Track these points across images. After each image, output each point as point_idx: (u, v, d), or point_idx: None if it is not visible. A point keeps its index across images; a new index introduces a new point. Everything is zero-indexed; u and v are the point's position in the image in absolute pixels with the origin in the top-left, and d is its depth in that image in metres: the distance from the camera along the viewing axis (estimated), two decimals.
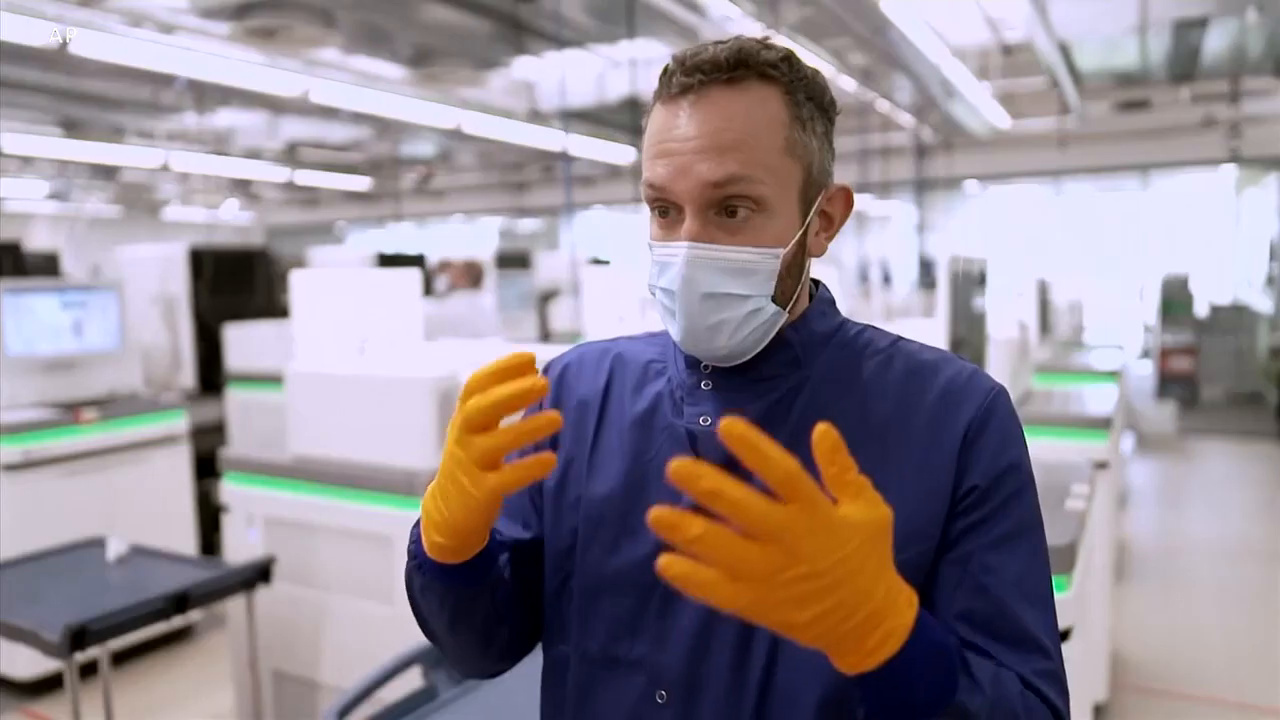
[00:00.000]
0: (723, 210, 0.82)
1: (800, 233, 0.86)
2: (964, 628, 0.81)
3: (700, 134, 0.81)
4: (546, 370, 1.04)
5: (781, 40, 5.18)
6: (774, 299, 0.85)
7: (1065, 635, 1.78)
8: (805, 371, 0.89)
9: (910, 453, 0.84)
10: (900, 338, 0.93)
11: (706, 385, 0.90)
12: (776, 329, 0.88)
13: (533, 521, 1.01)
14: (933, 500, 0.83)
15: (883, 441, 0.85)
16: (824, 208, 0.89)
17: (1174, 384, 9.15)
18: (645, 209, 0.90)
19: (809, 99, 0.85)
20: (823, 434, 0.62)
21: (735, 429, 0.59)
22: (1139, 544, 5.19)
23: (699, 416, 0.89)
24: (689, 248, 0.82)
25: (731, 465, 0.85)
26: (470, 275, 5.57)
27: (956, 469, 0.83)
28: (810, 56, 5.57)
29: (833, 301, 0.95)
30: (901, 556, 0.80)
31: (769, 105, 0.82)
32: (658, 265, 0.86)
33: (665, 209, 0.85)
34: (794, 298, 0.88)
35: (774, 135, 0.82)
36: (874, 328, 0.95)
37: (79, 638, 2.09)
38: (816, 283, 0.95)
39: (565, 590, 0.95)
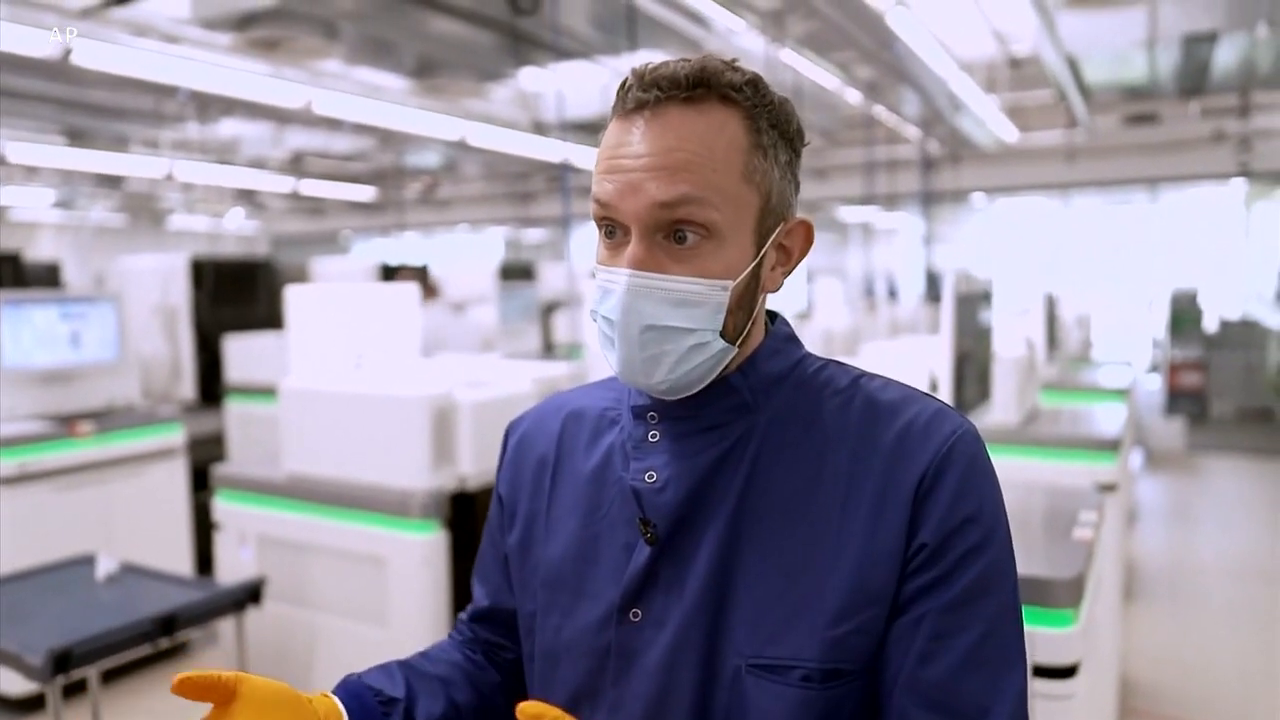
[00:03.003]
0: (671, 235, 0.77)
1: (753, 265, 0.80)
2: (905, 700, 0.75)
3: (652, 152, 0.76)
4: (509, 432, 1.02)
5: (786, 54, 5.14)
6: (722, 333, 0.79)
7: (1072, 670, 1.72)
8: (755, 417, 0.83)
9: (863, 507, 0.78)
10: (864, 374, 0.87)
11: (654, 437, 0.85)
12: (724, 364, 0.82)
13: (493, 589, 1.01)
14: (885, 561, 0.76)
15: (836, 493, 0.79)
16: (782, 241, 0.84)
17: (1183, 400, 9.06)
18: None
19: (772, 126, 0.80)
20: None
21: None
22: (1147, 564, 5.11)
23: (645, 473, 0.84)
24: (630, 276, 0.77)
25: (679, 526, 0.82)
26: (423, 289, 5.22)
27: (909, 525, 0.76)
28: (816, 70, 5.55)
29: (790, 336, 0.89)
30: (848, 625, 0.76)
31: (728, 128, 0.77)
32: (600, 290, 0.81)
33: (612, 229, 0.80)
34: (744, 332, 0.82)
35: (731, 160, 0.77)
36: (837, 363, 0.89)
37: (62, 662, 2.05)
38: (774, 316, 0.90)
39: (532, 655, 0.92)
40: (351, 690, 0.89)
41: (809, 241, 0.86)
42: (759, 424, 0.83)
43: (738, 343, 0.82)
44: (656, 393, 0.83)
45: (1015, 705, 0.75)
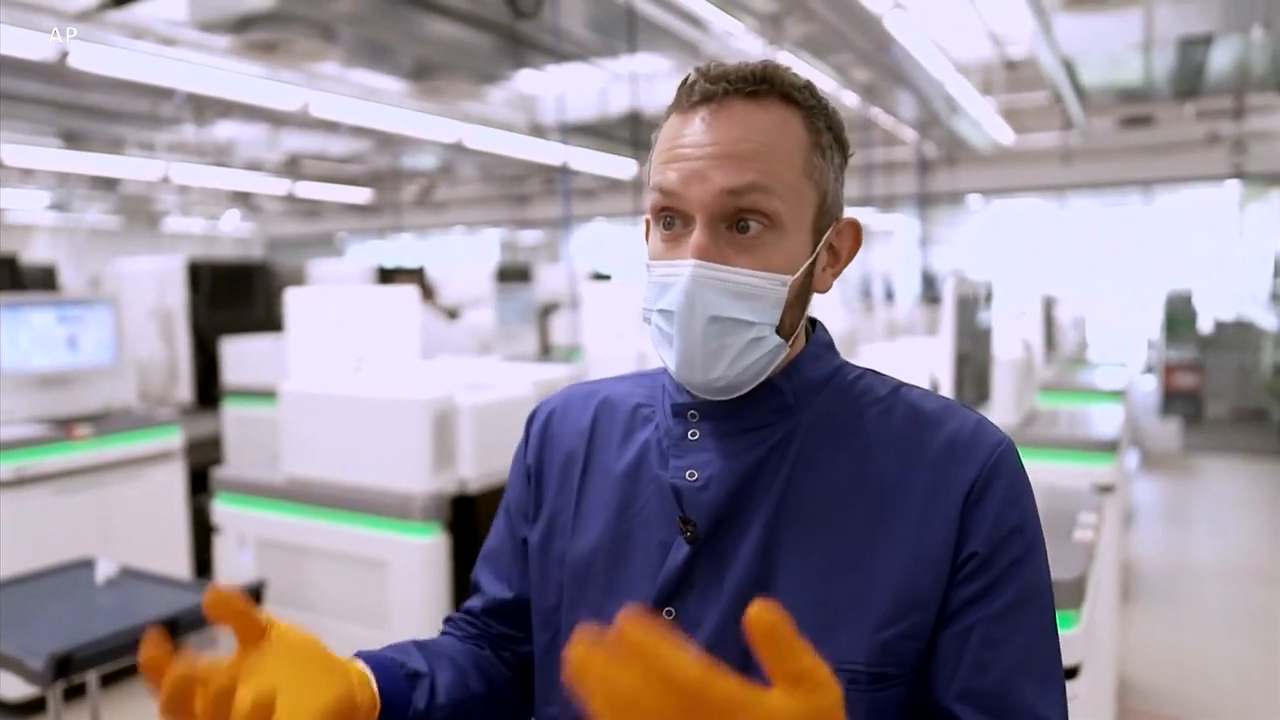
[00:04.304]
0: (734, 224, 0.78)
1: (809, 262, 0.81)
2: (962, 708, 0.76)
3: (718, 140, 0.77)
4: (533, 416, 1.00)
5: (784, 57, 5.16)
6: (779, 329, 0.80)
7: (1074, 672, 1.73)
8: (796, 419, 0.84)
9: (909, 513, 0.79)
10: (902, 384, 0.88)
11: (694, 435, 0.85)
12: (778, 360, 0.82)
13: (515, 580, 0.97)
14: (932, 566, 0.78)
15: (880, 497, 0.80)
16: (832, 241, 0.85)
17: (1178, 401, 9.09)
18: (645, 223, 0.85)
19: (828, 129, 0.82)
20: (757, 616, 0.54)
21: (633, 632, 0.53)
22: (1144, 565, 5.12)
23: (685, 471, 0.84)
24: (695, 266, 0.77)
25: (719, 525, 0.82)
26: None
27: (958, 532, 0.78)
28: (813, 72, 5.56)
29: (830, 344, 0.90)
30: (896, 629, 0.77)
31: (790, 125, 0.79)
32: (657, 286, 0.80)
33: (672, 220, 0.80)
34: (796, 331, 0.83)
35: (794, 155, 0.79)
36: (874, 372, 0.90)
37: (63, 666, 2.03)
38: (813, 322, 0.90)
39: (554, 649, 0.90)
40: (376, 660, 0.85)
41: (858, 243, 0.88)
42: (800, 427, 0.84)
43: (790, 340, 0.83)
44: (713, 390, 0.82)
45: (1062, 707, 0.78)
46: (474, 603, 1.02)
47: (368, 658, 0.85)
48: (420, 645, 0.94)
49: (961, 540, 0.78)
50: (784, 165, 0.78)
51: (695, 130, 0.78)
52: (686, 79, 0.81)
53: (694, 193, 0.77)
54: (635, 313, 4.14)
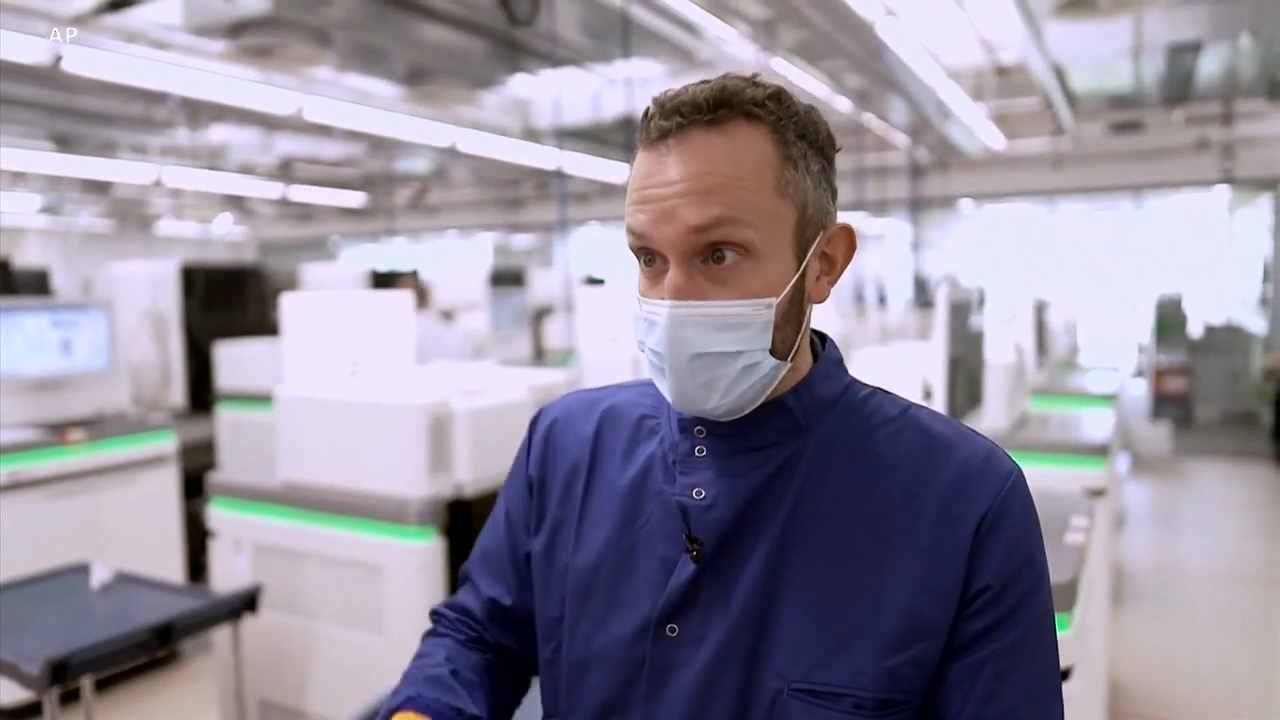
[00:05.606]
0: (709, 257, 0.77)
1: (796, 278, 0.80)
2: None
3: (682, 177, 0.75)
4: (534, 424, 1.00)
5: (777, 63, 5.17)
6: (772, 351, 0.79)
7: (1066, 675, 1.74)
8: (806, 439, 0.83)
9: (918, 539, 0.79)
10: (912, 404, 0.87)
11: (700, 452, 0.84)
12: (776, 381, 0.81)
13: (513, 587, 0.98)
14: (941, 595, 0.77)
15: (889, 522, 0.80)
16: (824, 249, 0.83)
17: (1168, 404, 9.14)
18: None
19: (800, 137, 0.79)
20: None
21: None
22: (1135, 567, 5.16)
23: (692, 489, 0.83)
24: (672, 307, 0.77)
25: (726, 544, 0.83)
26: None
27: (968, 564, 0.78)
28: (806, 78, 5.59)
29: (840, 361, 0.89)
30: (903, 657, 0.77)
31: (755, 145, 0.77)
32: (645, 323, 0.80)
33: (650, 258, 0.80)
34: (795, 348, 0.82)
35: (762, 176, 0.76)
36: (884, 391, 0.89)
37: (59, 671, 2.04)
38: (823, 338, 0.89)
39: (556, 660, 0.91)
40: (435, 712, 0.88)
41: (852, 247, 0.85)
42: (808, 447, 0.83)
43: (789, 358, 0.81)
44: (714, 417, 0.82)
45: None
46: (468, 601, 1.01)
47: (424, 709, 0.88)
48: (455, 674, 0.94)
49: (972, 572, 0.78)
50: (752, 190, 0.76)
51: (658, 168, 0.77)
52: (646, 111, 0.79)
53: (663, 233, 0.76)
54: (629, 317, 4.15)
